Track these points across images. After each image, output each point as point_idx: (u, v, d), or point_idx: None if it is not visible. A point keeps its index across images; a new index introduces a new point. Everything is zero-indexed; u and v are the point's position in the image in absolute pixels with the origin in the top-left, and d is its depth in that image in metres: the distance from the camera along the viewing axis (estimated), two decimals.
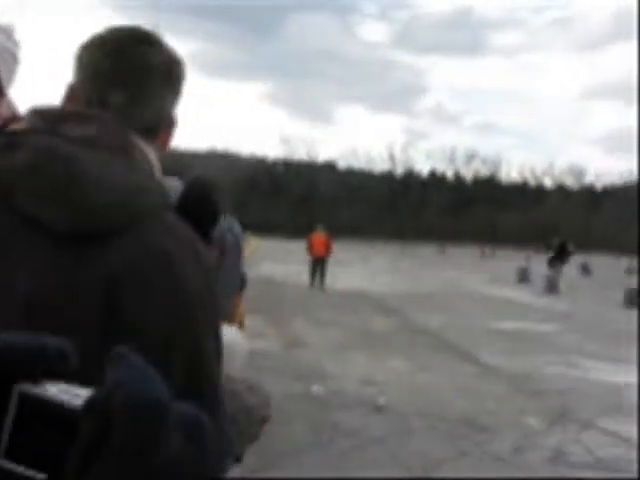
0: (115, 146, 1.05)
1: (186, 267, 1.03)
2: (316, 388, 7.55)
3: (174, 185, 3.10)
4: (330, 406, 6.92)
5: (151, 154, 1.15)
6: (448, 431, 6.34)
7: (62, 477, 0.41)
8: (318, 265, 22.04)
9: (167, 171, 3.55)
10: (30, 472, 0.42)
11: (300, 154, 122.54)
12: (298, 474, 4.94)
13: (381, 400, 7.19)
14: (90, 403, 0.41)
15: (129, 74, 1.15)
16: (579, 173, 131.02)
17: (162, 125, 1.21)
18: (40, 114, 1.07)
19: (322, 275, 21.93)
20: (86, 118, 1.07)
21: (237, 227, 4.69)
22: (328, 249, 22.18)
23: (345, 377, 8.26)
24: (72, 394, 0.43)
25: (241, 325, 5.02)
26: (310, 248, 22.29)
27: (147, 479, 0.39)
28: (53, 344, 0.44)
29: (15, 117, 1.54)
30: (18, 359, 0.44)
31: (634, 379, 8.96)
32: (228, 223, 4.50)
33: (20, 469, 0.43)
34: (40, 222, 0.97)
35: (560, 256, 26.98)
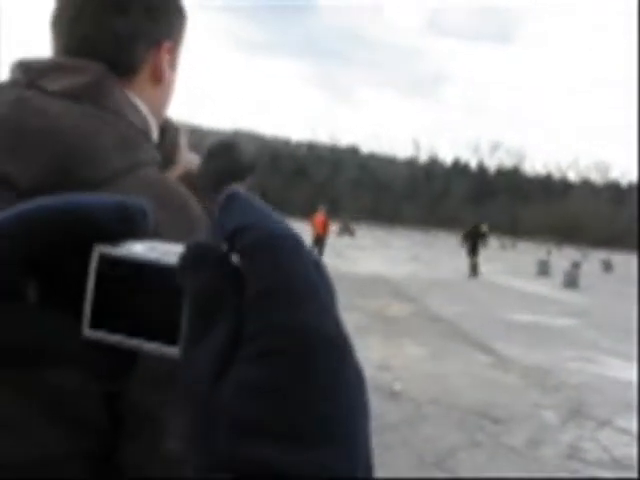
0: (100, 99, 0.99)
1: (164, 227, 0.93)
2: None
3: (194, 159, 3.11)
4: None
5: (143, 108, 1.08)
6: (462, 420, 6.32)
7: (166, 342, 0.37)
8: (317, 243, 23.90)
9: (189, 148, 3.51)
10: (129, 341, 0.38)
11: (324, 137, 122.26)
12: None
13: (397, 386, 7.17)
14: (198, 256, 0.35)
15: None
16: (604, 168, 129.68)
17: (136, 61, 1.08)
18: (23, 66, 1.01)
19: (319, 251, 23.70)
20: (72, 70, 1.01)
21: None
22: (325, 228, 24.13)
23: (361, 361, 8.22)
24: (162, 251, 0.38)
25: None
26: (312, 227, 24.54)
27: (307, 327, 0.33)
28: (134, 203, 0.41)
29: None
30: (96, 219, 0.39)
31: None
32: None
33: (114, 338, 0.38)
34: (6, 178, 0.91)
35: (475, 240, 24.98)
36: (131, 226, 0.40)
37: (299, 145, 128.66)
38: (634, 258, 67.16)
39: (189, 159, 2.76)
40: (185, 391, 0.35)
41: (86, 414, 0.93)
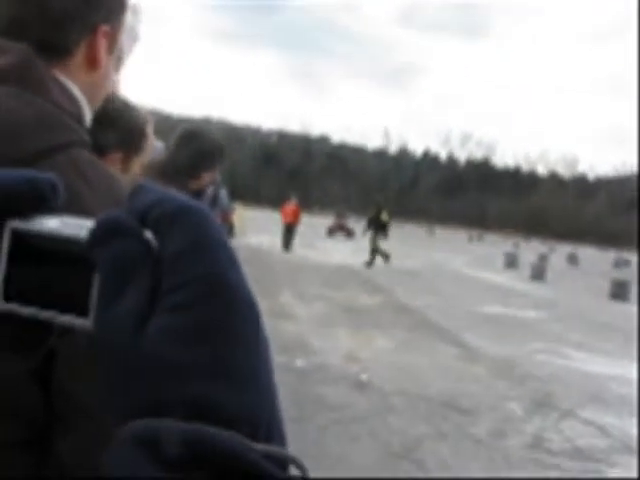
0: (25, 80, 0.97)
1: (89, 204, 0.91)
2: (300, 362, 7.54)
3: (157, 145, 3.08)
4: (313, 380, 6.91)
5: (74, 89, 1.05)
6: (428, 411, 6.35)
7: (79, 313, 0.39)
8: (288, 231, 24.62)
9: (160, 135, 3.43)
10: (41, 313, 0.40)
11: (295, 126, 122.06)
12: None
13: (363, 377, 7.19)
14: (108, 228, 0.37)
15: None
16: (572, 162, 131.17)
17: (70, 44, 1.05)
18: None
19: (289, 240, 24.58)
20: None
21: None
22: (296, 217, 24.60)
23: (329, 352, 8.25)
24: (73, 225, 0.40)
25: None
26: (283, 216, 25.14)
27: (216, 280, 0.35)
28: (44, 178, 0.41)
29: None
30: (6, 195, 0.40)
31: (615, 370, 9.02)
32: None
33: (27, 310, 0.40)
34: None
35: (376, 227, 22.25)
36: (42, 201, 0.41)
37: (270, 134, 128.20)
38: (599, 252, 68.09)
39: (154, 147, 2.73)
40: (100, 348, 0.36)
41: (17, 400, 0.89)
